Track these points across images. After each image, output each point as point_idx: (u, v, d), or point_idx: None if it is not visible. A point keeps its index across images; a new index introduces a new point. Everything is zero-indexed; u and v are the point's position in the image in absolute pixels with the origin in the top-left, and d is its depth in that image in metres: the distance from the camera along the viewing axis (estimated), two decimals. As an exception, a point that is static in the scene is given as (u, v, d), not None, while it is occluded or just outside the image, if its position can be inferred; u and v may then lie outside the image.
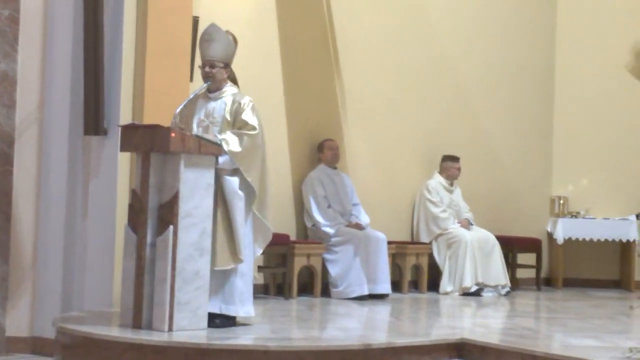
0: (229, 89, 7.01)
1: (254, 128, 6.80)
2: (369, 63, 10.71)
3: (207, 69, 6.92)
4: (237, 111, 6.88)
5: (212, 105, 6.98)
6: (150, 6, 7.83)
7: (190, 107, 7.03)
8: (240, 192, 6.75)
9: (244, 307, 6.86)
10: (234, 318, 6.87)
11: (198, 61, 8.32)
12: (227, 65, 6.98)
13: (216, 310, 6.76)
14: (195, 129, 6.90)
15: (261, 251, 7.18)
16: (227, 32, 7.03)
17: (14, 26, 8.07)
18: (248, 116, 6.84)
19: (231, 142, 6.72)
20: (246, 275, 6.89)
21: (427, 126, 11.25)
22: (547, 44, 12.61)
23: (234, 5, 9.28)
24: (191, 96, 7.04)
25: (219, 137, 6.75)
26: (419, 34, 11.18)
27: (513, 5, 12.20)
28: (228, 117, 6.88)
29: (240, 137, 6.76)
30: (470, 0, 11.76)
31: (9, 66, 8.06)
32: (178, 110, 6.78)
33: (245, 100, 6.90)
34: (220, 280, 6.77)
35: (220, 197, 6.76)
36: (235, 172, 6.78)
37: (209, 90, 7.02)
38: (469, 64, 11.71)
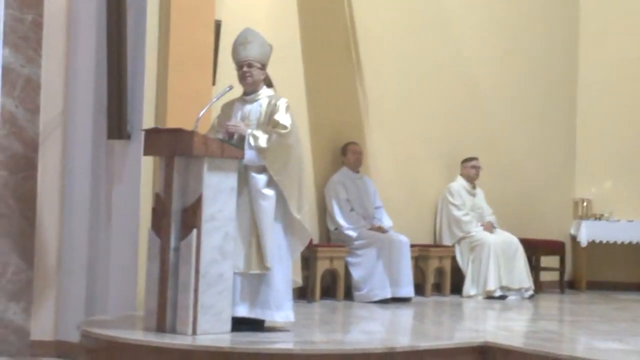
0: (264, 91, 7.00)
1: (285, 127, 6.76)
2: (392, 67, 10.70)
3: (244, 68, 6.90)
4: (272, 112, 6.86)
5: (248, 108, 6.97)
6: (173, 10, 7.85)
7: (227, 111, 7.04)
8: (265, 191, 6.68)
9: (281, 311, 6.75)
10: (261, 323, 6.80)
11: (221, 65, 8.37)
12: (263, 67, 6.96)
13: (245, 315, 6.69)
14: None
15: (298, 253, 7.05)
16: None
17: (38, 31, 8.10)
18: (281, 116, 6.81)
19: (259, 138, 6.70)
20: (283, 279, 6.77)
21: (450, 130, 11.23)
22: (570, 44, 12.57)
23: (255, 8, 9.29)
24: (214, 100, 7.04)
25: (249, 131, 6.74)
26: (442, 37, 11.16)
27: (535, 4, 12.16)
28: (263, 119, 6.87)
29: (269, 134, 6.73)
30: (491, 2, 11.73)
31: (32, 71, 8.09)
32: (201, 114, 6.76)
33: (281, 102, 6.88)
34: (254, 283, 6.71)
35: (250, 196, 6.73)
36: (264, 169, 6.72)
37: (245, 93, 7.02)
38: (491, 67, 11.68)
